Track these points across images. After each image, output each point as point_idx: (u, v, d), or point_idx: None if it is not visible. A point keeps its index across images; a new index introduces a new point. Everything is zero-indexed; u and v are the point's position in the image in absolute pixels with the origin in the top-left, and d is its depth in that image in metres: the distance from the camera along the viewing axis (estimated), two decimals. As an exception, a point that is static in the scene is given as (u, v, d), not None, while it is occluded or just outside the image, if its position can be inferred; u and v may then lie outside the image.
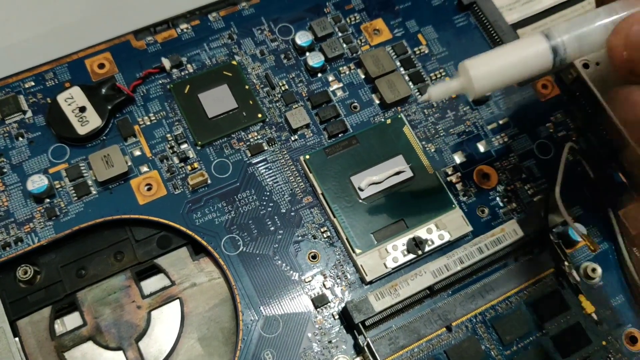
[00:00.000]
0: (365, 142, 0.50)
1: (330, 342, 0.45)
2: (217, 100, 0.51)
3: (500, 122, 0.53)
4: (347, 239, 0.47)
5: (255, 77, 0.52)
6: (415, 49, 0.54)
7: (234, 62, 0.53)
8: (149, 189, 0.48)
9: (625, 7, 0.40)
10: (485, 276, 0.48)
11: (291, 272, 0.47)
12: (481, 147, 0.52)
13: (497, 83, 0.41)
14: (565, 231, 0.48)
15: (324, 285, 0.47)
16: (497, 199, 0.50)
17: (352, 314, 0.44)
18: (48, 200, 0.47)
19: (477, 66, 0.40)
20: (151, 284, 0.48)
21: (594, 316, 0.46)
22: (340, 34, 0.54)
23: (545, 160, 0.52)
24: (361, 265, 0.46)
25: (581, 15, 0.41)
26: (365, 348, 0.43)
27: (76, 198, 0.48)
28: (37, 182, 0.47)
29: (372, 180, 0.49)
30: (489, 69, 0.40)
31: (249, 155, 0.50)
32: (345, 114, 0.52)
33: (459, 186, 0.50)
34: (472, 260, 0.46)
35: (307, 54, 0.53)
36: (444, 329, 0.46)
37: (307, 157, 0.49)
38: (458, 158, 0.51)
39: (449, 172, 0.51)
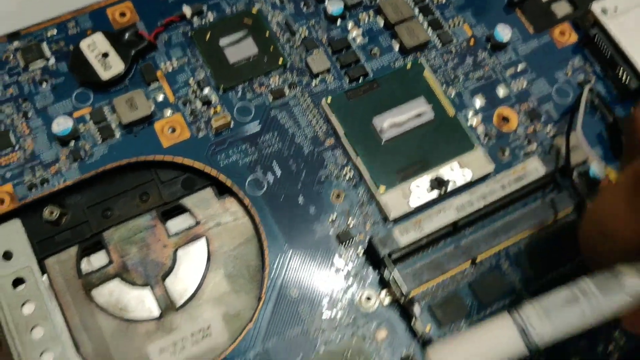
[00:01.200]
0: (385, 85, 0.50)
1: (355, 276, 0.45)
2: (238, 47, 0.51)
3: (519, 68, 0.52)
4: (370, 178, 0.47)
5: (275, 25, 0.52)
6: (433, -4, 0.54)
7: (254, 10, 0.52)
8: (172, 132, 0.48)
9: (596, 284, 0.36)
10: (509, 213, 0.47)
11: (315, 211, 0.46)
12: (500, 92, 0.51)
13: None
14: (586, 170, 0.48)
15: (348, 224, 0.46)
16: (518, 140, 0.50)
17: (377, 247, 0.43)
18: (73, 142, 0.47)
19: (442, 356, 0.37)
20: (176, 224, 0.47)
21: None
22: (358, -19, 0.54)
23: (563, 105, 0.52)
24: (385, 204, 0.46)
25: (553, 296, 0.37)
26: (391, 281, 0.43)
27: (101, 141, 0.47)
28: (62, 124, 0.46)
29: (393, 122, 0.48)
30: (455, 358, 0.37)
31: (271, 99, 0.49)
32: (365, 59, 0.51)
33: (479, 129, 0.50)
34: (494, 197, 0.46)
35: (327, 1, 0.52)
36: (468, 264, 0.45)
37: (329, 100, 0.49)
38: (478, 101, 0.51)
39: (469, 115, 0.50)
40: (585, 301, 0.36)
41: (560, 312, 0.36)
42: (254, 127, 0.48)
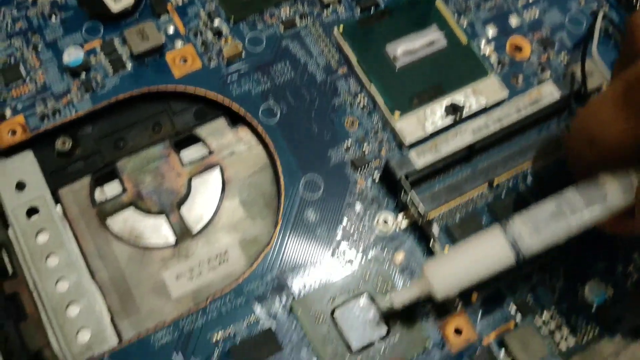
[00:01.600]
0: (397, 14, 0.49)
1: (372, 201, 0.44)
2: (247, -22, 0.50)
3: (530, -1, 0.52)
4: (384, 104, 0.46)
5: (283, -44, 0.51)
6: None
7: (262, -57, 0.51)
8: (184, 63, 0.47)
9: (581, 195, 0.37)
10: (525, 138, 0.47)
11: (330, 138, 0.46)
12: (513, 21, 0.51)
13: (459, 285, 0.38)
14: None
15: (363, 150, 0.46)
16: (531, 68, 0.49)
17: (394, 170, 0.43)
18: (84, 74, 0.46)
19: (435, 270, 0.38)
20: (190, 153, 0.47)
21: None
22: None
23: (577, 35, 0.51)
24: (400, 129, 0.45)
25: (541, 209, 0.38)
26: (408, 202, 0.42)
27: (112, 72, 0.46)
28: (73, 55, 0.46)
29: (407, 49, 0.48)
30: (448, 271, 0.38)
31: (282, 29, 0.49)
32: (376, -11, 0.51)
33: (492, 57, 0.49)
34: (510, 120, 0.45)
35: None
36: (486, 186, 0.45)
37: (341, 28, 0.48)
38: (490, 31, 0.50)
39: (482, 44, 0.50)
40: (570, 215, 0.37)
41: (548, 226, 0.37)
42: (265, 57, 0.48)
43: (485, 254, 0.38)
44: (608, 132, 0.35)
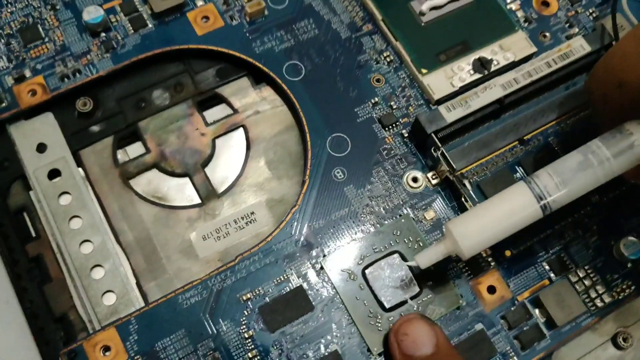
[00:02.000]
0: (422, -29, 0.48)
1: (401, 159, 0.43)
2: (268, -62, 0.48)
3: (556, -45, 0.50)
4: (411, 60, 0.45)
5: None
6: None
7: None
8: (206, 21, 0.46)
9: (608, 145, 0.36)
10: (555, 94, 0.45)
11: (356, 95, 0.44)
12: (539, -23, 0.49)
13: (485, 241, 0.37)
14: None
15: (391, 106, 0.44)
16: (559, 24, 0.48)
17: (424, 125, 0.42)
18: (104, 33, 0.45)
19: (461, 228, 0.37)
20: (214, 113, 0.45)
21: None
22: None
23: (604, -9, 0.49)
24: (428, 85, 0.44)
25: (567, 162, 0.37)
26: (440, 157, 0.41)
27: (132, 31, 0.45)
28: (92, 13, 0.44)
29: (432, 4, 0.46)
30: (474, 229, 0.36)
31: (305, -14, 0.47)
32: (398, -53, 0.49)
33: (519, 13, 0.48)
34: (540, 74, 0.44)
35: None
36: (517, 142, 0.44)
37: (365, -15, 0.47)
38: (517, -14, 0.49)
39: (508, 0, 0.48)
40: (598, 165, 0.36)
41: (575, 178, 0.36)
42: (288, 14, 0.46)
43: (511, 209, 0.37)
44: (635, 74, 0.34)
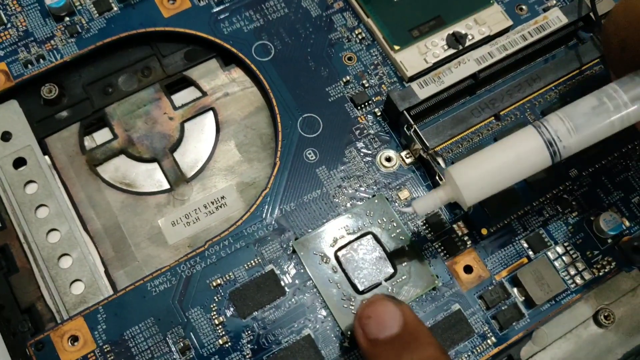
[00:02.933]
0: (393, -54, 0.46)
1: (374, 138, 0.42)
2: None
3: None
4: (383, 37, 0.43)
5: None
6: None
7: None
8: (172, 3, 0.44)
9: (625, 89, 0.33)
10: (532, 68, 0.44)
11: (327, 74, 0.43)
12: (513, -50, 0.48)
13: (488, 188, 0.34)
14: (610, 20, 0.44)
15: (363, 84, 0.43)
16: (536, -4, 0.46)
17: (396, 102, 0.40)
18: (68, 18, 0.44)
19: (463, 173, 0.34)
20: (182, 97, 0.44)
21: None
22: None
23: (581, -38, 0.48)
24: (401, 62, 0.43)
25: (580, 106, 0.34)
26: (413, 135, 0.40)
27: (97, 14, 0.44)
28: (55, -3, 0.43)
29: (405, -21, 0.45)
30: (478, 174, 0.33)
31: (273, -35, 0.46)
32: None
33: (495, -14, 0.46)
34: (515, 48, 0.42)
35: None
36: (493, 117, 0.42)
37: (335, -39, 0.45)
38: (492, -40, 0.47)
39: (484, -27, 0.47)
40: (614, 111, 0.33)
41: (589, 123, 0.33)
42: (257, -6, 0.45)
43: (518, 154, 0.33)
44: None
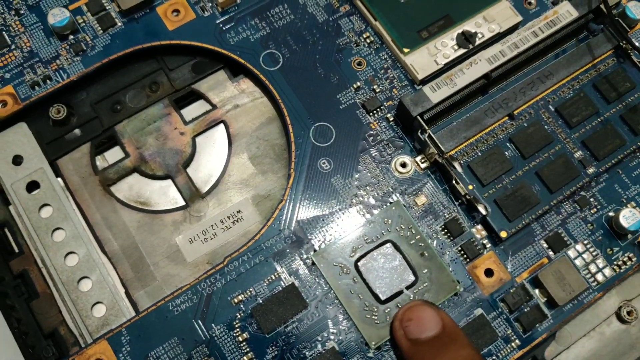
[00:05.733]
0: (398, -56, 0.45)
1: (388, 144, 0.41)
2: None
3: None
4: (392, 40, 0.43)
5: None
6: None
7: None
8: (176, 15, 0.44)
9: None
10: (543, 64, 0.43)
11: (337, 80, 0.43)
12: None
13: None
14: (622, 11, 0.44)
15: (374, 90, 0.43)
16: (544, -11, 0.46)
17: (409, 108, 0.40)
18: (72, 36, 0.43)
19: None
20: (192, 110, 0.44)
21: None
22: None
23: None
24: (411, 65, 0.42)
25: None
26: (428, 140, 0.39)
27: (101, 31, 0.43)
28: (58, 15, 0.43)
29: (411, -21, 0.44)
30: None
31: (277, -29, 0.45)
32: None
33: (502, -19, 0.46)
34: (527, 45, 0.42)
35: None
36: (507, 117, 0.42)
37: (339, -36, 0.45)
38: (498, -47, 0.46)
39: (490, -32, 0.46)
40: None
41: None
42: (261, 1, 0.44)
43: None
44: None
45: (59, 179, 0.41)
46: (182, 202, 0.41)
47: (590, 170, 0.41)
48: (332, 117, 0.42)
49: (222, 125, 0.43)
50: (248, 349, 0.37)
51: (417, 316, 0.35)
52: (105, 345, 0.37)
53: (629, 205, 0.41)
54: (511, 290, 0.39)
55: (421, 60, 0.42)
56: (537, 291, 0.39)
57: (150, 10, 0.44)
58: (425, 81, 0.42)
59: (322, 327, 0.37)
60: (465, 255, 0.39)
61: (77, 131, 0.42)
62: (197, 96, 0.43)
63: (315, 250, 0.39)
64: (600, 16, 0.43)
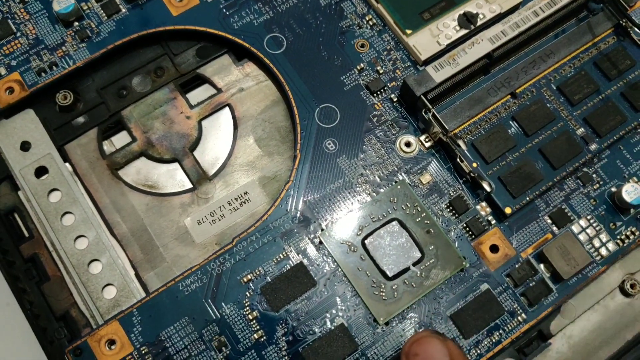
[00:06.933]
0: None
1: (392, 124, 0.42)
2: None
3: None
4: (394, 22, 0.43)
5: None
6: None
7: None
8: (180, 0, 0.44)
9: None
10: (544, 43, 0.44)
11: (341, 62, 0.43)
12: None
13: None
14: (620, -11, 0.45)
15: (377, 71, 0.43)
16: (544, -30, 0.46)
17: (413, 87, 0.40)
18: (77, 23, 0.44)
19: None
20: (197, 95, 0.44)
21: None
22: None
23: None
24: (414, 46, 0.43)
25: None
26: (432, 119, 0.40)
27: (106, 17, 0.44)
28: (63, 2, 0.43)
29: (412, -39, 0.45)
30: None
31: (279, -45, 0.46)
32: None
33: (501, -38, 0.46)
34: (528, 24, 0.42)
35: None
36: (509, 96, 0.42)
37: (340, -53, 0.45)
38: None
39: (490, -50, 0.47)
40: None
41: None
42: (264, -14, 0.45)
43: None
44: None
45: (67, 164, 0.42)
46: (189, 185, 0.42)
47: (593, 147, 0.42)
48: (337, 99, 0.42)
49: (227, 109, 0.43)
50: (258, 327, 0.37)
51: (423, 350, 0.34)
52: (117, 326, 0.37)
53: (631, 181, 0.41)
54: (516, 266, 0.39)
55: (423, 41, 0.43)
56: (542, 266, 0.40)
57: (154, -5, 0.44)
58: (428, 62, 0.43)
59: (330, 304, 0.38)
60: (470, 232, 0.40)
61: (83, 117, 0.43)
62: (202, 80, 0.44)
63: (322, 230, 0.39)
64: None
